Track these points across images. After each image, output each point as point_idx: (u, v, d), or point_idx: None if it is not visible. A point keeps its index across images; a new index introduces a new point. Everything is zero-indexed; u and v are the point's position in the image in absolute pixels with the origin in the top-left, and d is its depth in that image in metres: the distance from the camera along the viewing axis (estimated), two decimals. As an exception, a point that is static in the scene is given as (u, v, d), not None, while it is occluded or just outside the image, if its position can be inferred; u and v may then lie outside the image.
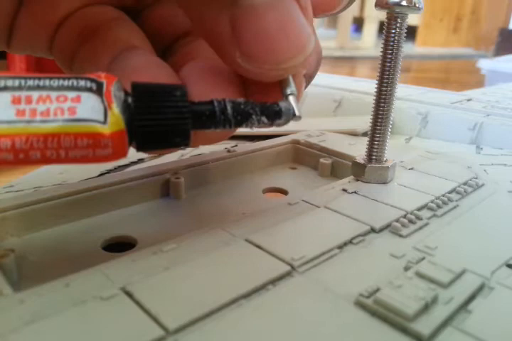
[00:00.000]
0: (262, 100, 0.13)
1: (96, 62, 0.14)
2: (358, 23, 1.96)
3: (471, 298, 0.12)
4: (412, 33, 1.91)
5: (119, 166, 0.22)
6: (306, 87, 0.15)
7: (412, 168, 0.21)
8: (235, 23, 0.12)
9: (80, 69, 0.15)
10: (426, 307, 0.11)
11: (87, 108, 0.10)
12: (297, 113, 0.13)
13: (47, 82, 0.10)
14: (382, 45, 0.18)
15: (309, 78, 0.15)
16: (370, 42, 1.76)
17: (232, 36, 0.12)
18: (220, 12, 0.12)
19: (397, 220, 0.15)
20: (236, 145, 0.22)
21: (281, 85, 0.13)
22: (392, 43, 0.17)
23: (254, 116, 0.12)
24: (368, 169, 0.19)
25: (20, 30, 0.15)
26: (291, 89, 0.13)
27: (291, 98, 0.13)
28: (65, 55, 0.15)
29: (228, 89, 0.13)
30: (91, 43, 0.15)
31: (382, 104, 0.18)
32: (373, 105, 0.19)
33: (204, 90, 0.13)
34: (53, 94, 0.09)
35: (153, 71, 0.13)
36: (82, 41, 0.15)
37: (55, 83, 0.10)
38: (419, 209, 0.16)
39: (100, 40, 0.15)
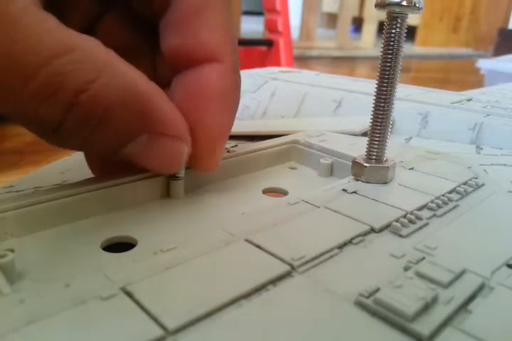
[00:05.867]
0: None
1: None
2: (358, 23, 1.96)
3: (471, 298, 0.12)
4: (411, 33, 1.91)
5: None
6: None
7: (412, 168, 0.21)
8: None
9: None
10: (426, 307, 0.11)
11: None
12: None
13: None
14: (382, 45, 0.18)
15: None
16: (369, 42, 1.76)
17: None
18: None
19: (397, 220, 0.15)
20: (236, 145, 0.22)
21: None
22: (392, 43, 0.17)
23: None
24: (367, 169, 0.19)
25: None
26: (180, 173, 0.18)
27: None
28: None
29: None
30: None
31: (382, 104, 0.18)
32: (373, 105, 0.19)
33: None
34: None
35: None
36: None
37: None
38: (419, 209, 0.16)
39: None
